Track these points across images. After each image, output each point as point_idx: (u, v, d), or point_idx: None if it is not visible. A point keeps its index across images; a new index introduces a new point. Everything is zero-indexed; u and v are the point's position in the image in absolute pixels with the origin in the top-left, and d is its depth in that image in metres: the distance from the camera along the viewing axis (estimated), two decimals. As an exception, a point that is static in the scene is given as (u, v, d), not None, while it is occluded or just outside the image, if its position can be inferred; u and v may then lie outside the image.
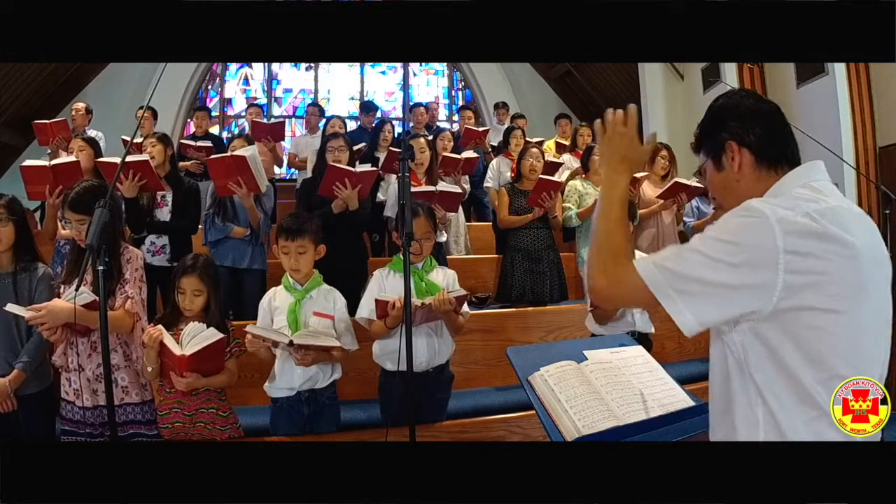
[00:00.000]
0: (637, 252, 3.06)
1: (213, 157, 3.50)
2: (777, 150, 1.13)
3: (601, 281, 1.11)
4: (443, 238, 3.91)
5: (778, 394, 0.98)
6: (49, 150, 4.74)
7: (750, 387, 1.01)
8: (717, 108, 1.19)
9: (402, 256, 2.45)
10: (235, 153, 3.26)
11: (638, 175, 4.04)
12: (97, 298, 1.96)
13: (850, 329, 0.96)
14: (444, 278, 2.47)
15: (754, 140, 1.12)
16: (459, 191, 3.82)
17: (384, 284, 2.42)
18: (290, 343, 2.10)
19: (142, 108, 4.47)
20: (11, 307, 2.00)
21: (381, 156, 4.47)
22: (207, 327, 2.07)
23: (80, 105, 5.43)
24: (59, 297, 2.11)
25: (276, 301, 2.32)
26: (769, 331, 0.99)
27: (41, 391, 2.21)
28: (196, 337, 2.01)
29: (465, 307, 2.43)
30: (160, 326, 2.06)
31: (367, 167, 3.36)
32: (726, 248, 1.00)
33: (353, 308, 2.43)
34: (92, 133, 4.91)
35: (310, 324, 2.24)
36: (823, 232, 0.97)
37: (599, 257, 1.13)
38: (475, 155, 5.01)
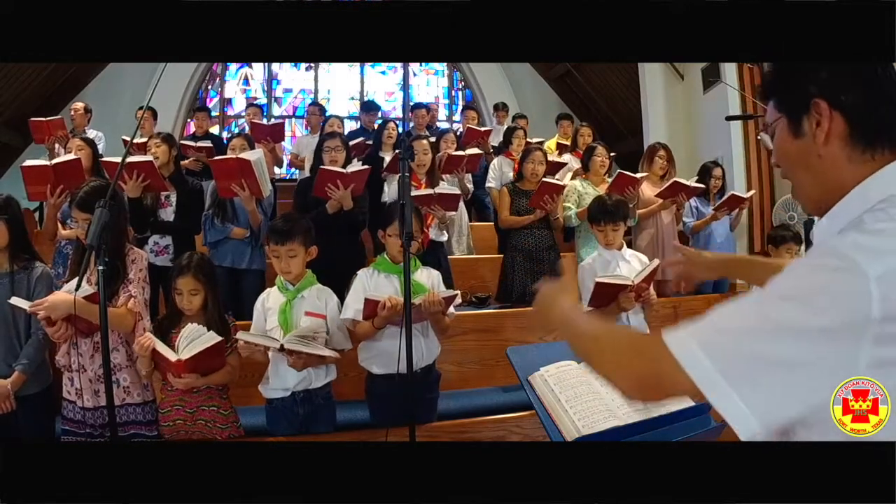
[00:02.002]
0: (635, 254, 3.08)
1: (217, 158, 3.50)
2: (881, 122, 0.80)
3: (627, 383, 0.84)
4: (443, 237, 3.91)
5: None
6: (46, 148, 4.77)
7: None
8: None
9: (385, 256, 2.47)
10: (241, 157, 3.26)
11: (637, 175, 4.04)
12: (97, 292, 1.96)
13: None
14: (428, 278, 2.47)
15: (852, 102, 0.80)
16: (458, 192, 3.83)
17: (368, 284, 2.41)
18: (282, 348, 2.10)
19: (142, 108, 4.48)
20: (14, 300, 2.00)
21: (386, 156, 4.48)
22: (206, 327, 2.07)
23: (79, 105, 5.44)
24: None
25: (268, 302, 2.32)
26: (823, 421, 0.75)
27: (40, 392, 2.22)
28: (193, 341, 1.99)
29: (451, 308, 2.42)
30: (149, 335, 2.05)
31: (358, 166, 3.36)
32: (800, 311, 0.71)
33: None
34: (92, 133, 4.92)
35: (301, 324, 2.24)
36: None
37: (610, 360, 0.86)
38: (479, 151, 5.01)
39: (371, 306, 2.23)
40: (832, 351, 0.70)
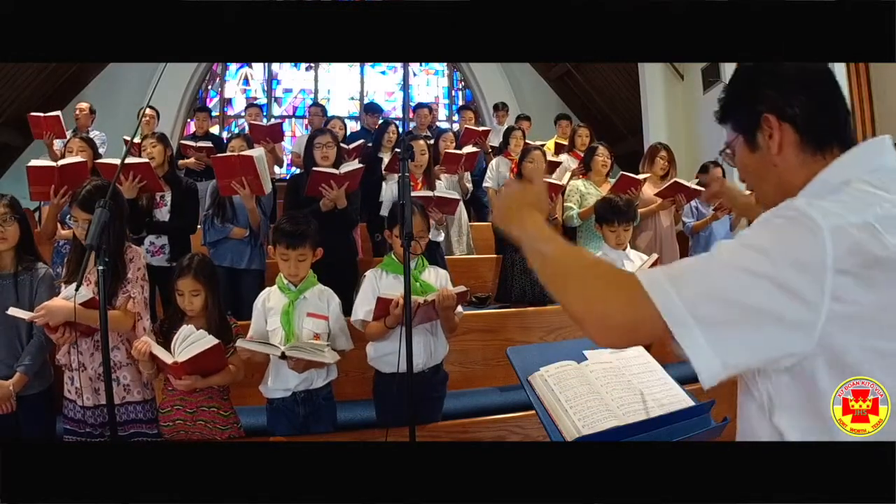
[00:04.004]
0: (639, 254, 3.08)
1: (219, 155, 3.50)
2: (827, 126, 0.89)
3: (598, 321, 0.83)
4: (440, 238, 3.92)
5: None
6: (46, 144, 4.79)
7: (773, 435, 0.85)
8: (751, 69, 0.96)
9: (393, 256, 2.47)
10: (243, 153, 3.26)
11: (640, 176, 4.04)
12: (95, 297, 1.96)
13: None
14: (436, 278, 2.47)
15: (799, 113, 0.88)
16: (456, 196, 3.83)
17: (377, 285, 2.41)
18: (283, 356, 2.09)
19: (143, 108, 4.49)
20: (13, 310, 2.00)
21: (385, 157, 4.49)
22: (208, 328, 2.07)
23: (84, 105, 5.42)
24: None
25: (269, 302, 2.31)
26: (803, 379, 0.79)
27: (41, 391, 2.22)
28: (189, 342, 1.98)
29: (459, 307, 2.42)
30: (145, 338, 2.04)
31: (352, 166, 3.35)
32: (762, 259, 0.76)
33: (344, 306, 2.43)
34: (95, 134, 4.92)
35: (304, 325, 2.23)
36: (884, 252, 0.75)
37: (581, 291, 0.86)
38: (476, 149, 5.01)
39: (383, 305, 2.22)
40: (794, 302, 0.74)
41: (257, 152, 3.27)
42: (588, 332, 0.85)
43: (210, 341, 1.99)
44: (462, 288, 2.35)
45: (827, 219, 0.76)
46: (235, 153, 3.35)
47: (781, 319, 0.75)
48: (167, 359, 1.96)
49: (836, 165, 0.86)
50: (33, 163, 3.12)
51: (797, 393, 0.81)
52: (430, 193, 3.58)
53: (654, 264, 2.76)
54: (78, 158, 3.23)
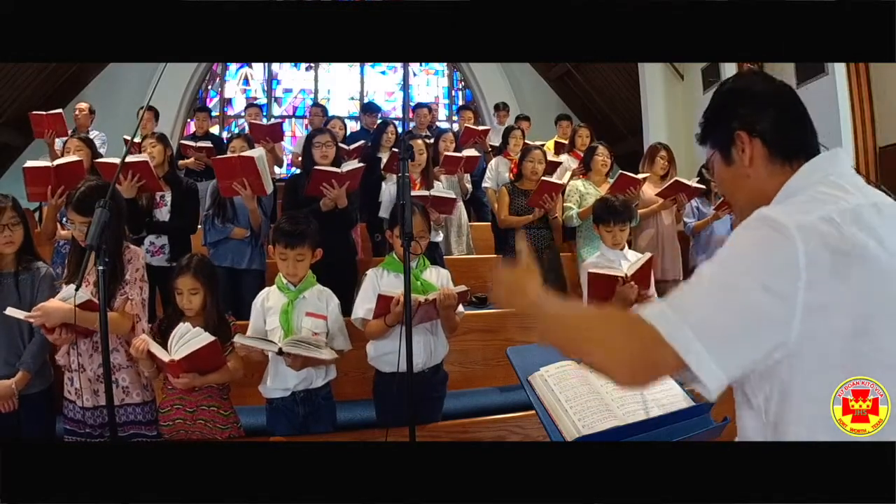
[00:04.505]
0: (637, 254, 3.08)
1: (219, 157, 3.49)
2: (793, 139, 0.99)
3: (622, 369, 0.89)
4: (438, 238, 3.91)
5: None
6: (46, 142, 4.78)
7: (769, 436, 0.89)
8: (724, 92, 1.05)
9: (395, 256, 2.46)
10: (244, 154, 3.25)
11: (639, 176, 4.04)
12: (92, 299, 1.96)
13: (882, 355, 0.83)
14: (437, 278, 2.46)
15: (767, 129, 0.98)
16: (453, 195, 3.82)
17: (378, 284, 2.40)
18: (280, 351, 2.09)
19: (142, 108, 4.48)
20: (10, 311, 2.00)
21: (384, 157, 4.48)
22: (206, 327, 2.07)
23: (84, 105, 5.42)
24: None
25: (269, 301, 2.31)
26: (790, 373, 0.84)
27: (42, 391, 2.22)
28: (185, 340, 1.98)
29: (460, 307, 2.42)
30: (143, 336, 2.04)
31: (353, 165, 3.35)
32: (741, 268, 0.85)
33: (344, 306, 2.43)
34: (94, 134, 4.92)
35: (303, 325, 2.23)
36: (844, 241, 0.82)
37: (599, 344, 0.92)
38: (476, 153, 5.02)
39: (384, 303, 2.22)
40: (774, 299, 0.82)
41: (257, 152, 3.26)
42: (617, 380, 0.92)
43: (206, 338, 1.98)
44: (463, 287, 2.34)
45: (791, 218, 0.84)
46: (236, 154, 3.35)
47: (767, 318, 0.82)
48: (164, 357, 1.96)
49: (798, 174, 0.96)
50: (29, 163, 3.10)
51: (790, 388, 0.85)
52: (426, 193, 3.58)
53: (647, 263, 2.76)
54: (74, 158, 3.22)
